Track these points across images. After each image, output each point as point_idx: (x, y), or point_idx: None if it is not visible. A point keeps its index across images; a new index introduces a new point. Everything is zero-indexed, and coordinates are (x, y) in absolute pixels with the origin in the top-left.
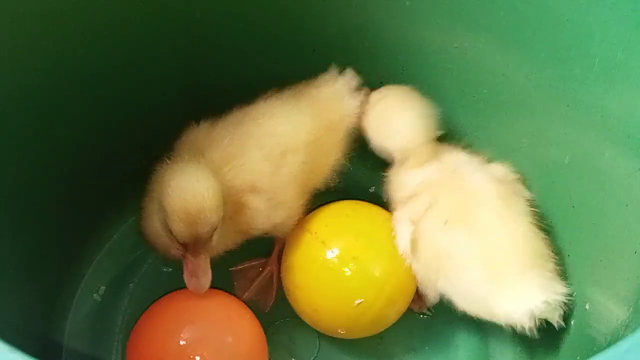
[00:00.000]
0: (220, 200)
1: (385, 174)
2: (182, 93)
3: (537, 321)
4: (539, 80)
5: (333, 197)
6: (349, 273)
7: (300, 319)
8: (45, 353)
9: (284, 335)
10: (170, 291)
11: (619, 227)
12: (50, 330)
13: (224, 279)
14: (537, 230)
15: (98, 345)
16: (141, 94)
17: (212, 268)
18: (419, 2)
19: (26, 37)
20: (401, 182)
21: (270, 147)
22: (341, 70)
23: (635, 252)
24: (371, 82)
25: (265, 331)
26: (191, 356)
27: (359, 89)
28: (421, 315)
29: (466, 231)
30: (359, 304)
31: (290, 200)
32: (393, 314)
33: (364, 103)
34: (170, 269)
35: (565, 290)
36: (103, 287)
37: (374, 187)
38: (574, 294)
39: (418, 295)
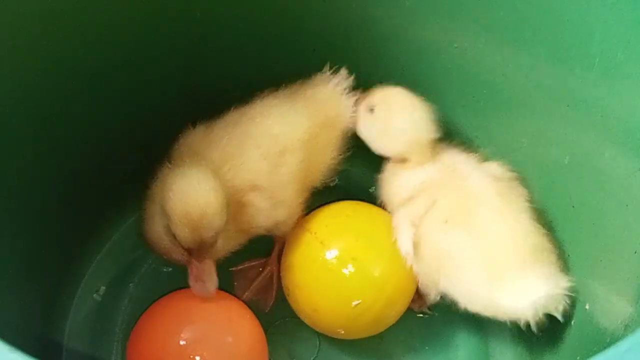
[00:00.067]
0: (224, 204)
1: (380, 174)
2: (182, 93)
3: (540, 315)
4: (539, 80)
5: (333, 197)
6: (348, 273)
7: (300, 319)
8: (45, 353)
9: (284, 335)
10: (170, 291)
11: (619, 227)
12: (50, 330)
13: (224, 279)
14: (537, 226)
15: (98, 345)
16: (141, 94)
17: None
18: (419, 2)
19: (26, 37)
20: (400, 183)
21: (267, 146)
22: (336, 70)
23: (635, 252)
24: (371, 82)
25: (265, 331)
26: (191, 356)
27: (353, 89)
28: (421, 315)
29: (467, 230)
30: (356, 305)
31: (290, 199)
32: (393, 314)
33: (358, 103)
34: (170, 269)
35: (567, 283)
36: (103, 287)
37: (374, 187)
38: (575, 288)
39: (418, 295)
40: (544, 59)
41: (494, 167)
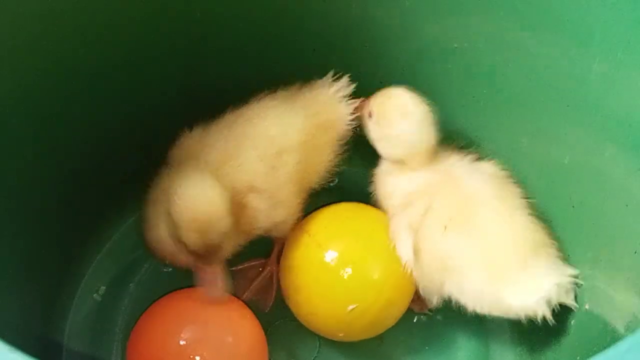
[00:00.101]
0: (229, 207)
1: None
2: (182, 93)
3: (554, 306)
4: (539, 80)
5: (332, 199)
6: (347, 275)
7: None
8: (45, 353)
9: (284, 335)
10: (170, 291)
11: (619, 227)
12: (50, 330)
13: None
14: (536, 221)
15: (98, 345)
16: (141, 94)
17: None
18: (419, 2)
19: (26, 37)
20: (395, 186)
21: (264, 147)
22: (339, 77)
23: (635, 252)
24: (371, 82)
25: (265, 331)
26: (191, 356)
27: (353, 97)
28: (421, 316)
29: (466, 233)
30: (352, 309)
31: (288, 200)
32: (392, 316)
33: (360, 109)
34: (170, 269)
35: (573, 271)
36: (103, 287)
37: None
38: (580, 277)
39: (418, 296)
40: (544, 59)
41: (488, 167)
